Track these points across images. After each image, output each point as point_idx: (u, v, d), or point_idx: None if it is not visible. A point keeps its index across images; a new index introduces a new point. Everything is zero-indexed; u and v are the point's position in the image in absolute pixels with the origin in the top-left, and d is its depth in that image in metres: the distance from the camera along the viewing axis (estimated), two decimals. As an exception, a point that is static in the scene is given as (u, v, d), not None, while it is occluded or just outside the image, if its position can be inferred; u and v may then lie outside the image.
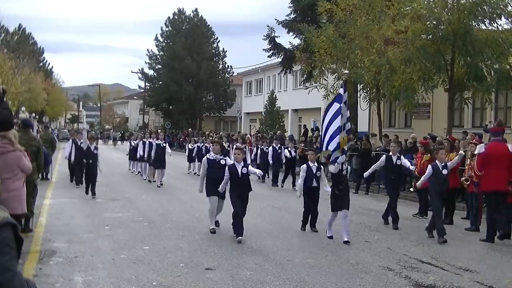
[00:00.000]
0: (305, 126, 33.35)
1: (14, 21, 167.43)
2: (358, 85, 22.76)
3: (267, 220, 11.84)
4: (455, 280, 7.23)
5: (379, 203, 14.23)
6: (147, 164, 19.44)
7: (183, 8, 59.32)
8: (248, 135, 32.01)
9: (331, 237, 9.71)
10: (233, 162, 9.90)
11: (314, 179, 10.48)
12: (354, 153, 19.74)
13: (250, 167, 10.05)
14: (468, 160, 11.71)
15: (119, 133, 64.48)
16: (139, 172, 21.58)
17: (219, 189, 9.80)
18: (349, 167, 9.95)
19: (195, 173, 21.81)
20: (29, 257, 7.77)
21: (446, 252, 9.06)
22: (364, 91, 22.53)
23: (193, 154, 22.56)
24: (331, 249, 8.96)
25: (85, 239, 9.25)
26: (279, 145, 20.08)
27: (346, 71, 11.49)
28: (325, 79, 24.10)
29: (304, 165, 10.71)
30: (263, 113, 40.19)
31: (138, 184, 18.99)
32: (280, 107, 38.97)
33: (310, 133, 30.40)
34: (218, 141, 11.87)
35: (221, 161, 10.24)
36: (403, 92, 18.25)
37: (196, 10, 59.17)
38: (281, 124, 37.84)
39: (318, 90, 24.98)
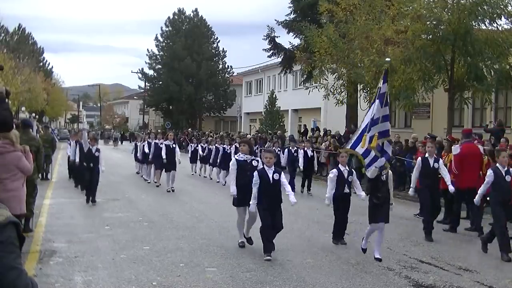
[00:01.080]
0: (305, 126, 33.32)
1: (14, 21, 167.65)
2: (358, 85, 22.76)
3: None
4: (455, 280, 7.23)
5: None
6: (151, 166, 18.87)
7: (183, 8, 59.38)
8: (249, 135, 31.97)
9: (364, 250, 8.61)
10: (262, 166, 8.54)
11: (346, 185, 9.43)
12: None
13: (283, 176, 8.48)
14: None
15: (119, 133, 63.76)
16: (137, 172, 21.30)
17: (227, 179, 9.32)
18: (390, 172, 8.65)
19: (199, 175, 21.73)
20: (29, 257, 7.77)
21: (446, 252, 9.06)
22: (364, 91, 22.54)
23: (198, 155, 21.93)
24: (331, 249, 8.96)
25: (85, 239, 9.25)
26: (295, 147, 17.73)
27: (388, 59, 9.97)
28: (325, 79, 24.10)
29: (335, 170, 9.60)
30: (263, 113, 40.18)
31: (138, 184, 18.99)
32: (280, 107, 38.97)
33: (310, 133, 30.36)
34: (247, 141, 10.45)
35: (252, 162, 8.94)
36: (403, 92, 18.25)
37: (196, 10, 59.20)
38: (281, 124, 37.84)
39: (318, 90, 24.99)
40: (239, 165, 8.82)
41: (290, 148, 17.72)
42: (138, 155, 21.04)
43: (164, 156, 16.45)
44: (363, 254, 8.59)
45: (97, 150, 13.77)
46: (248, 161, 8.92)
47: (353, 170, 9.89)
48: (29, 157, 7.69)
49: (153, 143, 18.01)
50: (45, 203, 13.23)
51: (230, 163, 9.20)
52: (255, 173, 8.29)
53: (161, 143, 17.15)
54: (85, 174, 13.81)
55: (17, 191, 7.42)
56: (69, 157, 18.74)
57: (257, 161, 8.93)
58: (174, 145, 16.85)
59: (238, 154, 9.34)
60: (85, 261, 7.72)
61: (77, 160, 15.49)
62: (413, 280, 7.18)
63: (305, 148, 17.37)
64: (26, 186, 7.99)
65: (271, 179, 8.17)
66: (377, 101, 8.37)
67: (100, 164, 13.67)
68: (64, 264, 7.52)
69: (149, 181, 18.98)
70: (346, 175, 9.43)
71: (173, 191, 16.12)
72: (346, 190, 9.43)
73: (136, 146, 21.57)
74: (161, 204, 14.00)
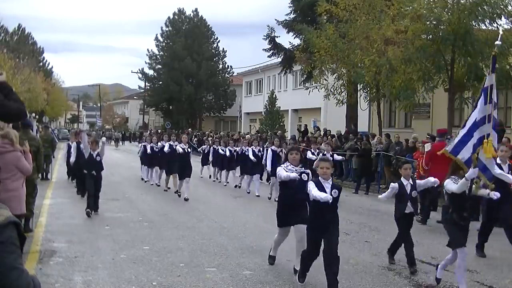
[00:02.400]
0: (305, 125, 33.27)
1: (14, 21, 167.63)
2: (358, 85, 22.77)
3: (267, 220, 11.83)
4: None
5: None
6: (157, 169, 18.04)
7: (183, 8, 59.48)
8: (248, 135, 31.93)
9: (439, 281, 7.16)
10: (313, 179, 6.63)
11: (409, 202, 7.80)
12: (354, 153, 19.73)
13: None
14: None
15: (120, 133, 62.94)
16: (143, 179, 19.77)
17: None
18: (487, 189, 7.02)
19: (212, 179, 20.67)
20: (29, 257, 7.77)
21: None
22: (364, 91, 22.55)
23: (209, 157, 20.74)
24: (331, 249, 8.94)
25: (85, 239, 9.25)
26: (318, 150, 15.53)
27: (499, 42, 7.75)
28: (325, 79, 24.11)
29: (395, 184, 7.91)
30: (263, 113, 40.20)
31: (138, 184, 18.99)
32: (280, 107, 38.98)
33: (310, 133, 30.33)
34: (297, 148, 8.65)
35: (302, 175, 7.14)
36: (403, 92, 18.26)
37: (196, 10, 59.33)
38: (281, 124, 37.85)
39: (318, 90, 25.01)
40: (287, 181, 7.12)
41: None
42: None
43: (177, 159, 14.96)
44: (363, 254, 8.57)
45: (99, 154, 12.08)
46: (298, 173, 7.17)
47: (415, 181, 8.12)
48: (28, 157, 7.69)
49: (167, 144, 16.43)
50: (45, 203, 13.22)
51: (277, 174, 7.47)
52: (311, 183, 6.43)
53: (175, 145, 15.63)
54: (86, 182, 12.18)
55: (17, 191, 7.43)
56: (68, 160, 17.84)
57: (307, 174, 7.23)
58: (189, 150, 15.19)
59: (286, 165, 7.38)
60: (85, 261, 7.71)
61: (72, 159, 15.34)
62: (413, 280, 7.18)
63: (325, 152, 14.70)
64: (26, 186, 8.00)
65: (330, 197, 6.14)
66: (482, 97, 7.07)
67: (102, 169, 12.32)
68: (64, 264, 7.52)
69: (157, 183, 18.10)
70: (409, 190, 7.82)
71: (187, 199, 14.40)
72: (410, 209, 7.85)
73: (144, 147, 19.44)
74: (161, 204, 14.00)
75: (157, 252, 8.34)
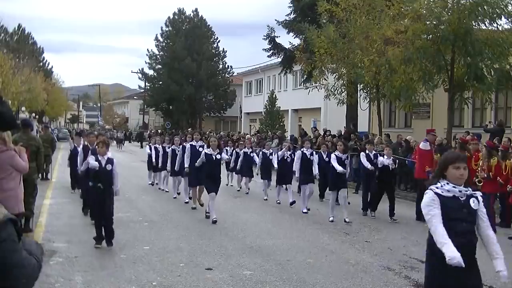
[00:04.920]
0: (303, 129, 32.45)
1: (14, 21, 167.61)
2: (358, 85, 22.77)
3: (267, 220, 11.84)
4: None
5: (379, 203, 14.21)
6: (174, 176, 15.01)
7: (183, 8, 59.45)
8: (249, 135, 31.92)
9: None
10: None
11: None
12: (354, 153, 19.72)
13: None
14: (481, 161, 11.80)
15: (122, 133, 61.78)
16: (152, 183, 17.75)
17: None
18: None
19: (243, 191, 17.02)
20: (29, 257, 7.75)
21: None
22: (364, 91, 22.54)
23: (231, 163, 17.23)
24: (331, 249, 8.95)
25: (85, 239, 9.24)
26: (327, 152, 13.48)
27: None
28: (325, 79, 24.11)
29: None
30: (263, 113, 40.19)
31: (138, 184, 18.97)
32: (280, 107, 38.98)
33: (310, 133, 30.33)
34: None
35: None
36: (403, 92, 18.25)
37: (196, 10, 59.29)
38: (281, 124, 37.85)
39: (318, 90, 25.01)
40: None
41: (322, 152, 13.66)
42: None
43: (203, 167, 11.70)
44: (363, 254, 8.58)
45: (110, 161, 8.95)
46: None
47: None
48: (23, 156, 7.68)
49: (188, 146, 13.00)
50: (45, 203, 13.22)
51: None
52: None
53: (200, 147, 12.61)
54: (89, 199, 9.63)
55: (13, 190, 7.43)
56: (70, 164, 15.54)
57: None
58: (218, 156, 11.53)
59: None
60: (85, 261, 7.72)
61: (82, 168, 11.18)
62: (413, 280, 7.18)
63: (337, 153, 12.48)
64: (26, 186, 8.00)
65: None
66: None
67: (114, 181, 8.98)
68: (64, 264, 7.52)
69: (186, 200, 14.02)
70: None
71: (216, 222, 11.10)
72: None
73: (156, 150, 16.99)
74: (161, 204, 14.00)
75: (157, 252, 8.34)
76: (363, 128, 27.21)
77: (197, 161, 11.59)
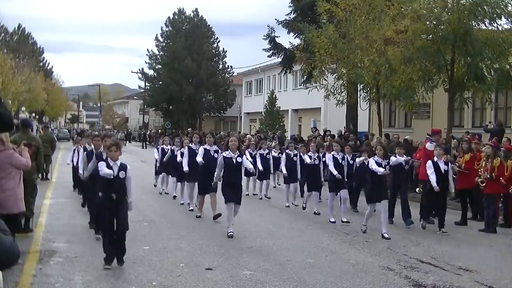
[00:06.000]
0: (299, 135, 31.07)
1: (14, 21, 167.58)
2: (358, 85, 22.77)
3: (267, 220, 11.85)
4: (455, 280, 7.23)
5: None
6: (185, 183, 13.23)
7: (183, 8, 59.47)
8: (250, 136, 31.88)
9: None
10: None
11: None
12: (354, 153, 19.70)
13: None
14: (484, 162, 11.80)
15: (123, 133, 61.45)
16: (162, 192, 15.96)
17: None
18: None
19: (259, 197, 15.61)
20: (29, 257, 7.76)
21: (446, 252, 9.06)
22: (364, 91, 22.54)
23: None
24: (331, 249, 8.96)
25: (85, 239, 9.24)
26: (341, 153, 12.26)
27: None
28: (325, 79, 24.11)
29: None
30: (263, 113, 40.22)
31: (138, 184, 18.90)
32: (280, 107, 39.00)
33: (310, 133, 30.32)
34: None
35: None
36: (403, 92, 18.26)
37: (196, 10, 59.28)
38: (281, 124, 37.87)
39: (318, 90, 25.01)
40: None
41: (335, 153, 12.26)
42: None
43: (222, 175, 10.17)
44: (363, 254, 8.59)
45: (122, 167, 7.37)
46: None
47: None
48: (25, 154, 7.68)
49: (201, 149, 11.45)
50: (45, 203, 13.21)
51: None
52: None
53: (214, 151, 11.36)
54: (101, 211, 7.49)
55: (13, 190, 7.44)
56: (73, 167, 14.73)
57: None
58: (239, 159, 10.05)
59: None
60: (85, 261, 7.71)
61: (86, 175, 9.71)
62: (413, 280, 7.18)
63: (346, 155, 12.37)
64: (26, 186, 8.00)
65: None
66: None
67: (128, 193, 7.46)
68: (64, 264, 7.52)
69: (191, 207, 12.64)
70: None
71: (231, 237, 9.64)
72: None
73: (163, 151, 15.69)
74: (161, 204, 14.00)
75: (157, 252, 8.34)
76: (363, 128, 27.22)
77: (216, 170, 10.14)
